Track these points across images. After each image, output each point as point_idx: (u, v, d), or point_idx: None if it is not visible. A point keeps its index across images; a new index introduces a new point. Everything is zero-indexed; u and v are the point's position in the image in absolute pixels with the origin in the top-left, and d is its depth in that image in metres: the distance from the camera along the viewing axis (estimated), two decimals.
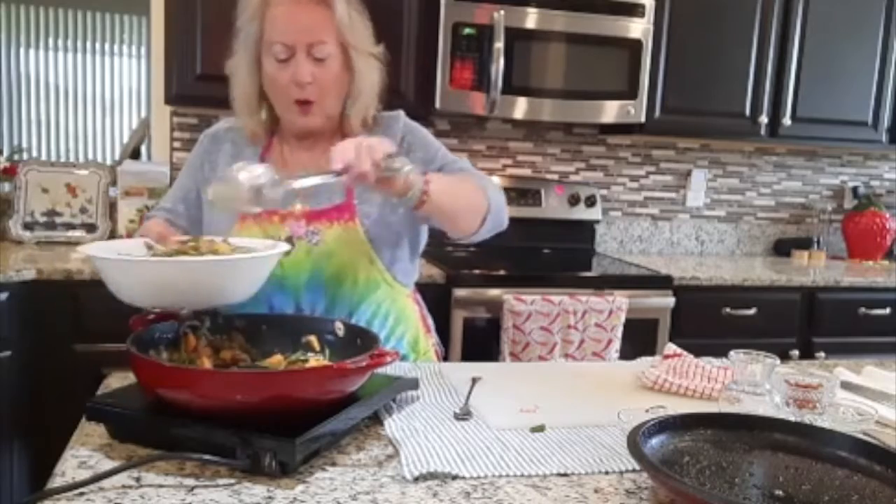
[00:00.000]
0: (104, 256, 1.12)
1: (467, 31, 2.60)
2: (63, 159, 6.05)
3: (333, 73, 1.38)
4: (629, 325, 2.51)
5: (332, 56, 1.37)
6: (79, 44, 6.06)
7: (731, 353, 1.14)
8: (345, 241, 1.40)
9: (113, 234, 2.78)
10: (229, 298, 1.15)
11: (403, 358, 1.50)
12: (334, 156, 1.16)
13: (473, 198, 1.40)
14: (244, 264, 1.15)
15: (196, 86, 2.53)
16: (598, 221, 3.19)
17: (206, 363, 1.10)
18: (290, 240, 1.37)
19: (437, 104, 2.64)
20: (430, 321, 1.64)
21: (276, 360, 1.13)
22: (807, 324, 2.86)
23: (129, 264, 1.10)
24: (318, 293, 1.41)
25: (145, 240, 1.24)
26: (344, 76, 1.41)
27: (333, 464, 0.95)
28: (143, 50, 6.03)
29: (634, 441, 0.89)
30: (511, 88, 2.66)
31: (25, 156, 5.30)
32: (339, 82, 1.41)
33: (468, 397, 1.21)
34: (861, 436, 0.98)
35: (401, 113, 1.53)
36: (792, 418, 1.04)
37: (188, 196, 1.51)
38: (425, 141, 1.51)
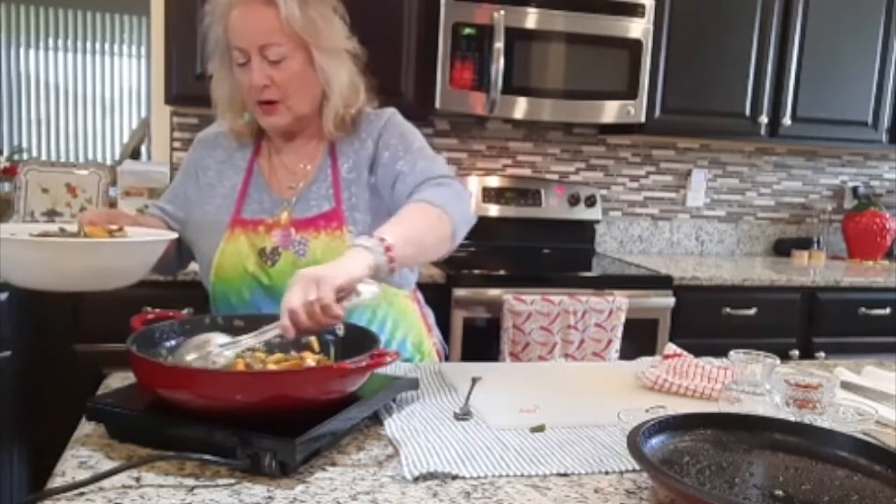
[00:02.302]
0: None
1: (467, 31, 2.60)
2: (63, 159, 6.05)
3: (291, 73, 1.35)
4: (629, 325, 2.51)
5: (288, 57, 1.34)
6: (79, 44, 6.07)
7: (731, 353, 1.14)
8: (332, 249, 1.34)
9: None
10: (105, 284, 1.19)
11: (409, 360, 1.49)
12: (283, 321, 1.05)
13: (437, 230, 1.29)
14: (108, 248, 1.19)
15: (196, 86, 2.52)
16: (598, 221, 3.19)
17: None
18: (276, 250, 1.37)
19: (437, 104, 2.64)
20: (431, 318, 1.63)
21: (278, 358, 1.14)
22: (807, 324, 2.86)
23: (14, 243, 1.13)
24: None
25: (60, 225, 1.25)
26: (309, 75, 1.37)
27: (333, 464, 0.95)
28: (143, 50, 6.04)
29: (634, 441, 0.89)
30: (511, 88, 2.66)
31: (25, 156, 5.31)
32: (303, 82, 1.37)
33: (468, 397, 1.21)
34: (861, 436, 0.98)
35: (388, 111, 1.48)
36: (792, 418, 1.04)
37: (179, 198, 1.51)
38: (402, 138, 1.43)
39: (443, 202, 1.30)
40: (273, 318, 1.22)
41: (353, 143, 1.44)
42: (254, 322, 1.21)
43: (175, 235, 1.34)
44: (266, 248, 1.37)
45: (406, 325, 1.50)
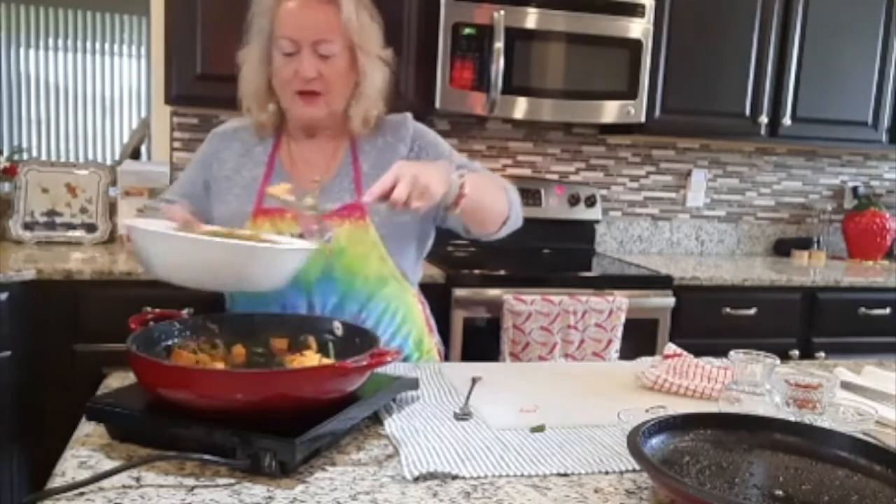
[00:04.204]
0: (157, 230, 1.15)
1: (467, 31, 2.60)
2: (63, 159, 6.05)
3: (338, 70, 1.41)
4: (629, 325, 2.51)
5: (337, 54, 1.40)
6: (79, 44, 6.06)
7: (731, 353, 1.14)
8: (356, 238, 1.42)
9: (113, 234, 2.78)
10: (258, 286, 1.19)
11: (407, 357, 1.50)
12: (386, 179, 1.17)
13: (498, 199, 1.44)
14: (288, 255, 1.20)
15: (196, 86, 2.53)
16: (598, 221, 3.19)
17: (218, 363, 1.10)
18: (301, 237, 1.39)
19: (437, 104, 2.64)
20: (433, 321, 1.65)
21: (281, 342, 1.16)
22: (807, 324, 2.86)
23: (183, 240, 1.13)
24: (330, 289, 1.42)
25: (172, 224, 1.25)
26: (350, 75, 1.44)
27: (333, 464, 0.95)
28: (143, 50, 6.03)
29: (634, 441, 0.89)
30: (511, 88, 2.66)
31: (25, 156, 5.30)
32: (345, 80, 1.43)
33: (468, 397, 1.21)
34: (861, 436, 0.98)
35: (408, 116, 1.55)
36: (792, 418, 1.04)
37: (193, 191, 1.52)
38: (435, 144, 1.54)
39: (505, 187, 1.48)
40: (273, 318, 1.22)
41: (376, 143, 1.50)
42: (252, 322, 1.22)
43: (316, 246, 1.31)
44: (294, 235, 1.39)
45: (411, 322, 1.53)
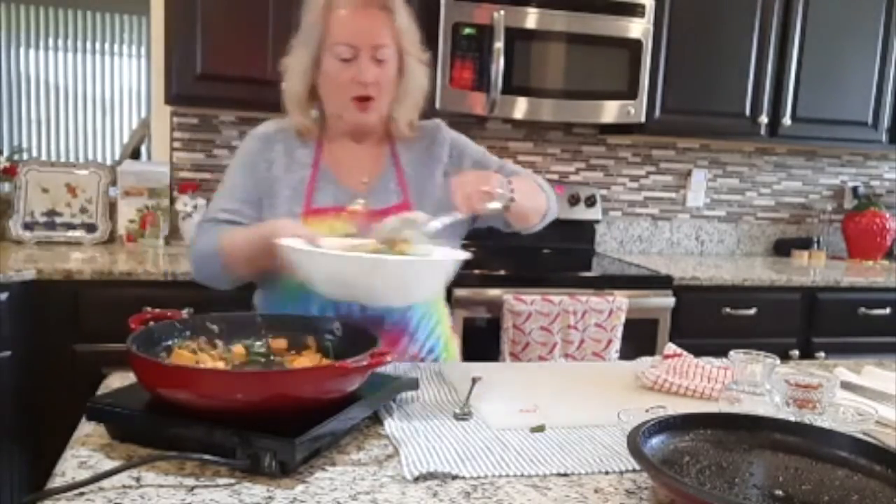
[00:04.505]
0: (328, 251, 1.20)
1: (467, 31, 2.60)
2: (63, 159, 6.05)
3: (390, 74, 1.45)
4: (629, 325, 2.51)
5: (390, 59, 1.44)
6: (79, 44, 6.06)
7: (731, 353, 1.14)
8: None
9: (113, 234, 2.78)
10: (422, 297, 1.27)
11: (436, 358, 1.54)
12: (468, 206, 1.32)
13: (539, 198, 1.51)
14: (452, 266, 1.24)
15: (196, 86, 2.53)
16: (598, 221, 3.19)
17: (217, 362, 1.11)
18: (350, 237, 1.42)
19: (437, 104, 2.64)
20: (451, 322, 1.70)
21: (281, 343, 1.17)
22: (807, 324, 2.86)
23: (356, 260, 1.17)
24: None
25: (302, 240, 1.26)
26: (397, 79, 1.47)
27: (333, 464, 0.95)
28: (143, 50, 6.03)
29: (634, 441, 0.89)
30: (511, 88, 2.66)
31: (25, 156, 5.30)
32: (393, 84, 1.47)
33: (468, 397, 1.21)
34: (861, 436, 0.98)
35: (440, 122, 1.60)
36: (792, 418, 1.04)
37: (249, 197, 1.49)
38: (472, 148, 1.60)
39: (541, 184, 1.56)
40: (273, 318, 1.22)
41: (413, 146, 1.55)
42: (252, 322, 1.22)
43: (469, 255, 1.33)
44: (352, 234, 1.42)
45: (443, 323, 1.58)
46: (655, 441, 0.94)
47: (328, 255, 1.19)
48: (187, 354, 1.09)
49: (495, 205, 1.33)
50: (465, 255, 1.30)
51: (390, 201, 1.47)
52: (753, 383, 1.11)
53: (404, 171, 1.52)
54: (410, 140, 1.54)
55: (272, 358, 1.16)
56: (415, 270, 1.22)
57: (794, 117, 3.03)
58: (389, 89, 1.46)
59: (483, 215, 1.45)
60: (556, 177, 3.22)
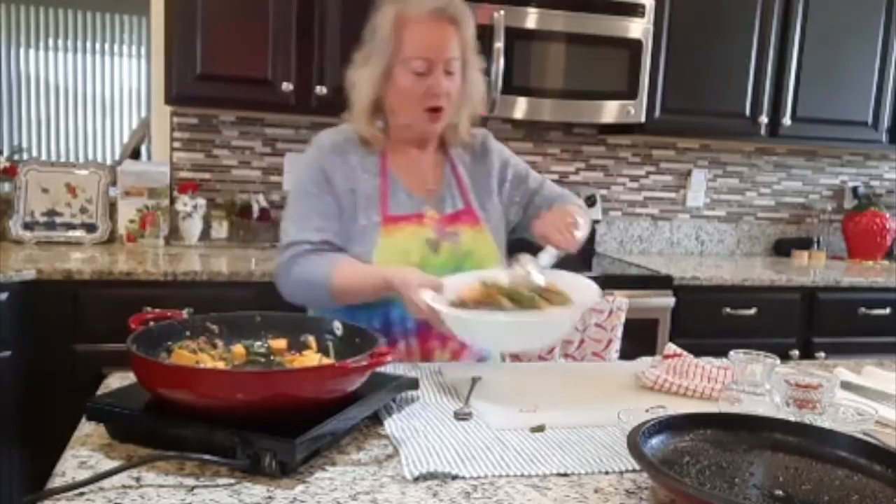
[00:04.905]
0: (493, 319, 1.23)
1: None
2: (63, 159, 6.05)
3: (457, 84, 1.50)
4: (629, 325, 2.50)
5: (458, 71, 1.49)
6: (79, 44, 6.06)
7: (731, 353, 1.14)
8: (479, 241, 1.54)
9: (113, 234, 2.78)
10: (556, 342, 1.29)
11: (486, 358, 1.58)
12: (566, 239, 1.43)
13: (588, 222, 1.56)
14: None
15: (196, 86, 2.53)
16: (597, 221, 3.18)
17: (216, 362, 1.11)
18: (436, 241, 1.50)
19: None
20: None
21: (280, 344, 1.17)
22: (807, 324, 2.86)
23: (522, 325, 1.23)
24: None
25: (431, 293, 1.30)
26: (461, 87, 1.52)
27: (333, 464, 0.95)
28: (143, 50, 6.03)
29: (634, 441, 0.89)
30: (511, 88, 2.66)
31: (25, 156, 5.30)
32: (458, 93, 1.52)
33: (468, 397, 1.21)
34: (861, 436, 0.98)
35: (488, 132, 1.67)
36: (792, 418, 1.04)
37: (332, 211, 1.51)
38: (515, 160, 1.68)
39: (580, 205, 1.64)
40: (273, 318, 1.22)
41: (465, 153, 1.62)
42: (252, 322, 1.22)
43: (599, 296, 1.36)
44: (431, 238, 1.50)
45: None
46: (655, 441, 0.94)
47: (504, 323, 1.23)
48: (187, 354, 1.09)
49: (582, 234, 1.44)
50: (595, 291, 1.33)
51: (456, 206, 1.55)
52: (753, 383, 1.11)
53: (462, 177, 1.59)
54: (462, 147, 1.61)
55: (272, 358, 1.16)
56: (576, 316, 1.31)
57: (794, 117, 3.03)
58: (455, 98, 1.51)
59: (521, 226, 1.62)
60: (556, 177, 3.22)
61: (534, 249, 1.43)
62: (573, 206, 1.61)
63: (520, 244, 1.59)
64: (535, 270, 1.33)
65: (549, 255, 1.41)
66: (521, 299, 1.26)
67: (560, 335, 1.24)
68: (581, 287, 1.35)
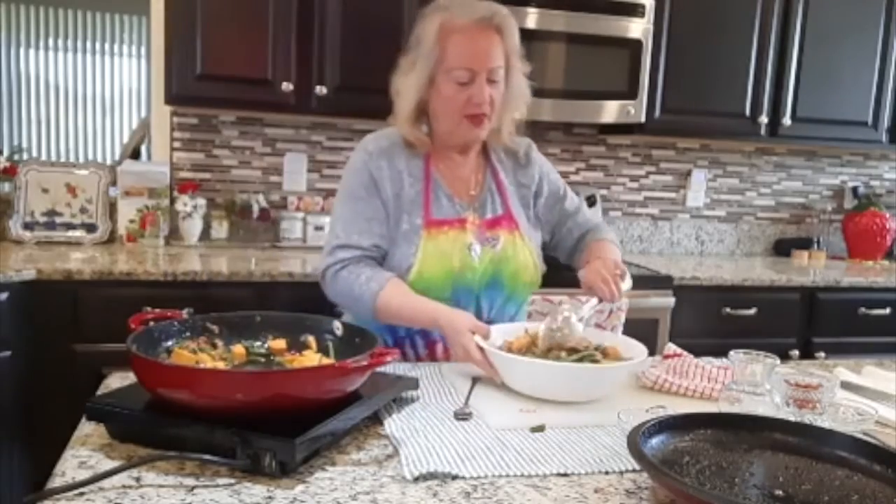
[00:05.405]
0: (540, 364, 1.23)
1: None
2: (63, 159, 6.05)
3: (501, 91, 1.51)
4: (629, 325, 2.50)
5: (502, 78, 1.50)
6: (79, 44, 6.06)
7: (731, 353, 1.14)
8: (517, 246, 1.57)
9: (113, 234, 2.78)
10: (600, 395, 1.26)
11: None
12: (612, 292, 1.45)
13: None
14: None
15: (196, 86, 2.53)
16: None
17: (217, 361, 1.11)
18: (475, 246, 1.52)
19: None
20: None
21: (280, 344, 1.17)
22: (807, 324, 2.86)
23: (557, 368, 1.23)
24: (497, 291, 1.56)
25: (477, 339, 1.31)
26: (505, 93, 1.53)
27: (333, 464, 0.95)
28: (143, 50, 6.03)
29: (634, 441, 0.89)
30: None
31: (25, 156, 5.30)
32: (501, 99, 1.53)
33: (468, 397, 1.21)
34: (861, 436, 0.98)
35: (531, 142, 1.68)
36: (792, 418, 1.04)
37: (379, 216, 1.52)
38: (554, 176, 1.70)
39: (613, 239, 1.69)
40: (273, 318, 1.22)
41: (506, 159, 1.64)
42: (251, 322, 1.22)
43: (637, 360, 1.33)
44: (471, 243, 1.52)
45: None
46: (655, 441, 0.94)
47: (552, 367, 1.23)
48: (187, 354, 1.09)
49: (627, 285, 1.47)
50: (643, 350, 1.33)
51: (496, 212, 1.58)
52: (753, 383, 1.11)
53: (503, 183, 1.61)
54: (505, 152, 1.63)
55: (272, 358, 1.16)
56: (623, 372, 1.29)
57: (794, 117, 3.03)
58: (499, 105, 1.52)
59: (552, 242, 1.70)
60: None
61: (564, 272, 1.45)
62: (612, 244, 1.65)
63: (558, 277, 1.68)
64: (576, 322, 1.35)
65: (590, 306, 1.43)
66: (581, 351, 1.29)
67: (609, 388, 1.25)
68: (629, 344, 1.36)
